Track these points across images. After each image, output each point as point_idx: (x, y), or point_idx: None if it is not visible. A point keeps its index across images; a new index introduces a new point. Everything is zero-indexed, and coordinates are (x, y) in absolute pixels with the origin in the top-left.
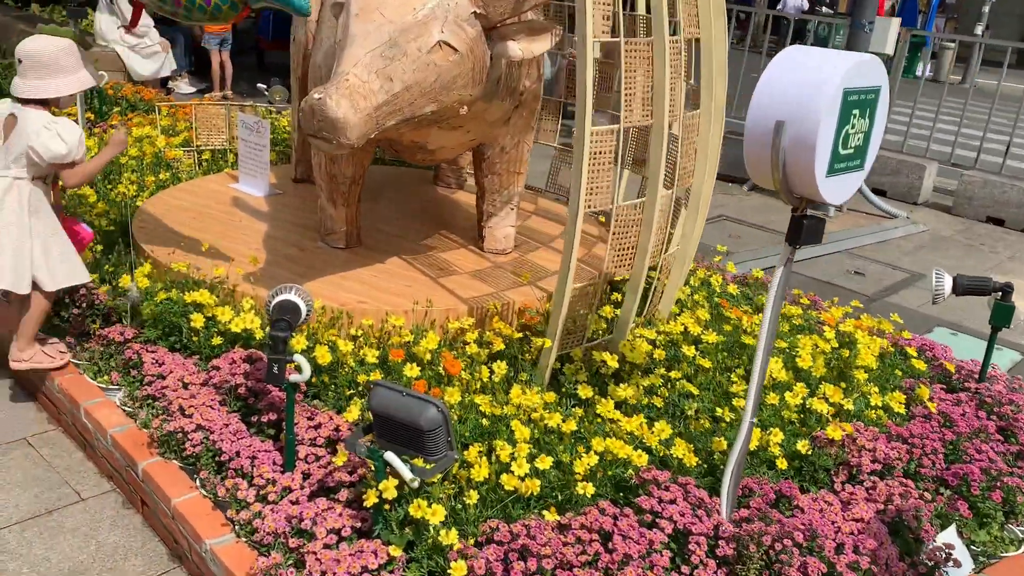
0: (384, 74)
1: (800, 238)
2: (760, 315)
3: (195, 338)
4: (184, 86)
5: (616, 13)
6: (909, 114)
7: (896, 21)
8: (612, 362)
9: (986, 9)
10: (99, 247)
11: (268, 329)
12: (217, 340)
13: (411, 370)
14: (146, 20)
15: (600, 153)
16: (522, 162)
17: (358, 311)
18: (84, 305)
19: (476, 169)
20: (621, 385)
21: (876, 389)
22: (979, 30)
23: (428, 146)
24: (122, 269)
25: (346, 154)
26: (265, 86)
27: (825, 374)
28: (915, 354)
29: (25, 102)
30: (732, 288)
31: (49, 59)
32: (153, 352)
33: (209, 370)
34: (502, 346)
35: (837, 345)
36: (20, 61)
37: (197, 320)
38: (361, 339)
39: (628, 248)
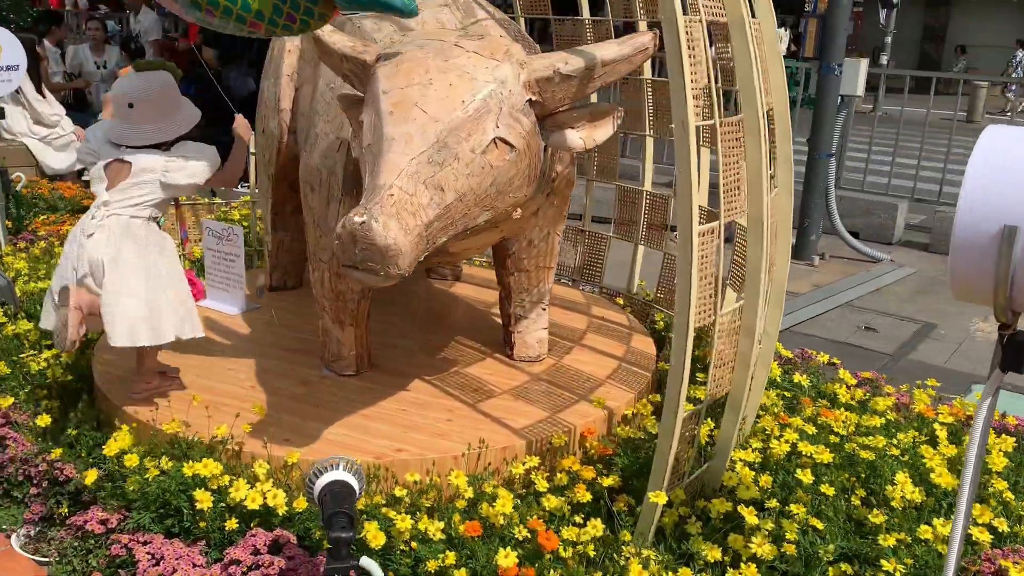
0: (434, 184)
1: (1019, 364)
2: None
3: (202, 522)
4: None
5: (709, 89)
6: (866, 150)
7: (864, 62)
8: (722, 506)
9: (888, 40)
10: (53, 403)
11: (311, 509)
12: (232, 523)
13: (506, 558)
14: (56, 108)
15: (705, 257)
16: (553, 256)
17: (398, 463)
18: (44, 482)
19: (499, 266)
20: (754, 540)
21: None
22: (884, 60)
23: (451, 249)
24: (91, 435)
25: None
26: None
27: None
28: None
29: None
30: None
31: (160, 97)
32: (147, 543)
33: (227, 564)
34: (587, 497)
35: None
36: (131, 105)
37: (203, 500)
38: (409, 501)
39: (728, 361)
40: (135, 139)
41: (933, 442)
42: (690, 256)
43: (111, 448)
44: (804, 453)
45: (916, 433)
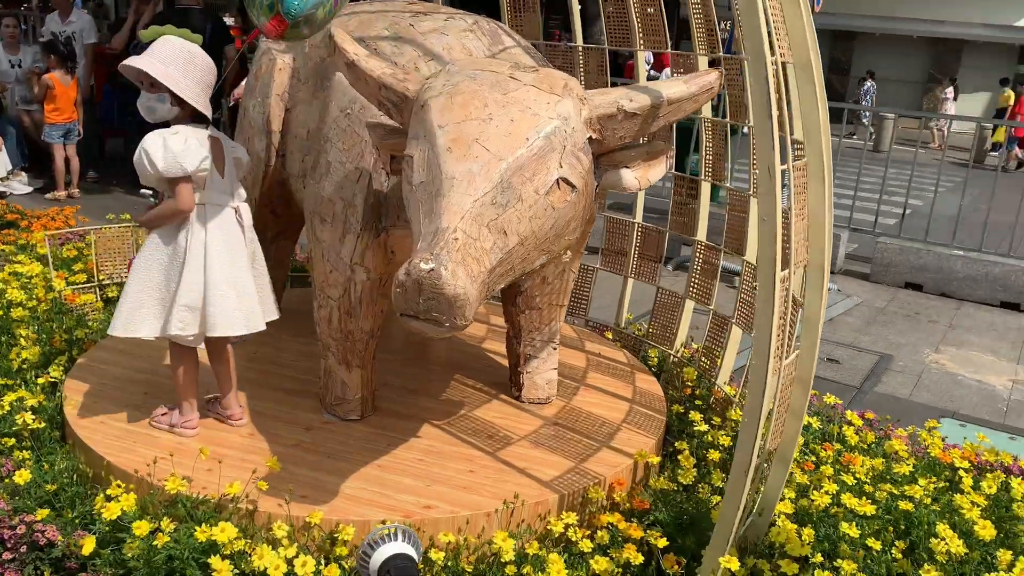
0: (497, 227)
1: None
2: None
3: None
4: (19, 186)
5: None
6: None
7: None
8: (789, 568)
9: None
10: (24, 454)
11: None
12: None
13: None
14: None
15: (785, 302)
16: (566, 293)
17: (429, 522)
18: (22, 547)
19: (508, 303)
20: None
21: None
22: None
23: None
24: (73, 490)
25: (365, 305)
26: (151, 191)
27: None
28: None
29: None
30: (849, 432)
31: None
32: None
33: None
34: (639, 559)
35: (988, 495)
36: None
37: (222, 569)
38: (444, 564)
39: (782, 412)
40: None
41: (956, 487)
42: (771, 304)
43: (111, 511)
44: (847, 505)
45: (937, 479)
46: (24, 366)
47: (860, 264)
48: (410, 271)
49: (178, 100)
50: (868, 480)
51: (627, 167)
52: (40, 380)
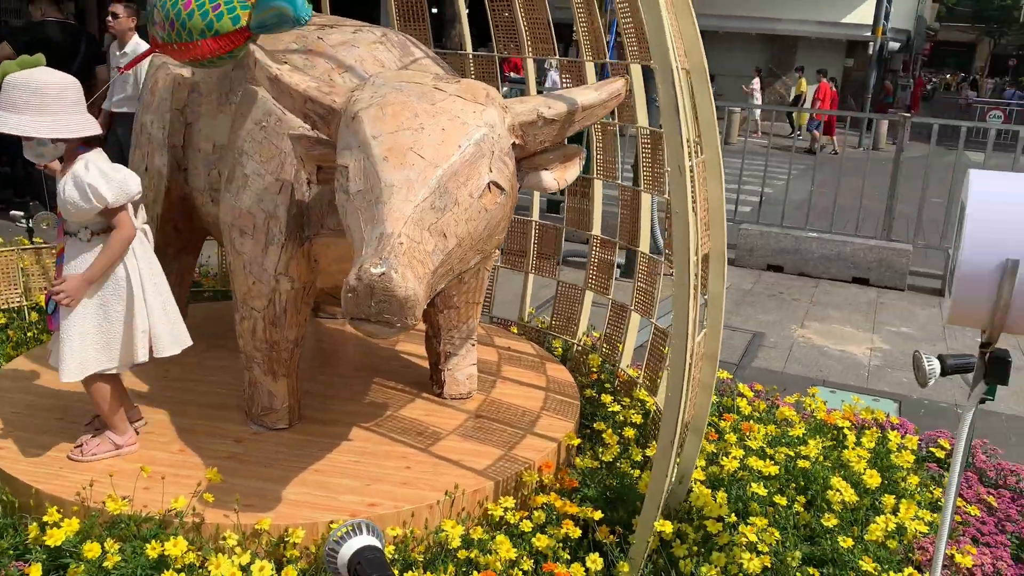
0: (437, 230)
1: (1006, 377)
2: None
3: None
4: None
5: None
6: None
7: None
8: (714, 527)
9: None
10: None
11: None
12: None
13: None
14: None
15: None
16: (481, 291)
17: (376, 519)
18: None
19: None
20: (744, 556)
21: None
22: None
23: None
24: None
25: (289, 314)
26: (21, 212)
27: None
28: (898, 438)
29: None
30: (742, 404)
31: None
32: None
33: None
34: (577, 532)
35: (869, 448)
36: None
37: None
38: (399, 557)
39: (695, 387)
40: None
41: (841, 445)
42: (688, 287)
43: (55, 537)
44: (755, 468)
45: (825, 439)
46: None
47: (729, 251)
48: (361, 276)
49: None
50: (766, 445)
51: (546, 169)
52: None
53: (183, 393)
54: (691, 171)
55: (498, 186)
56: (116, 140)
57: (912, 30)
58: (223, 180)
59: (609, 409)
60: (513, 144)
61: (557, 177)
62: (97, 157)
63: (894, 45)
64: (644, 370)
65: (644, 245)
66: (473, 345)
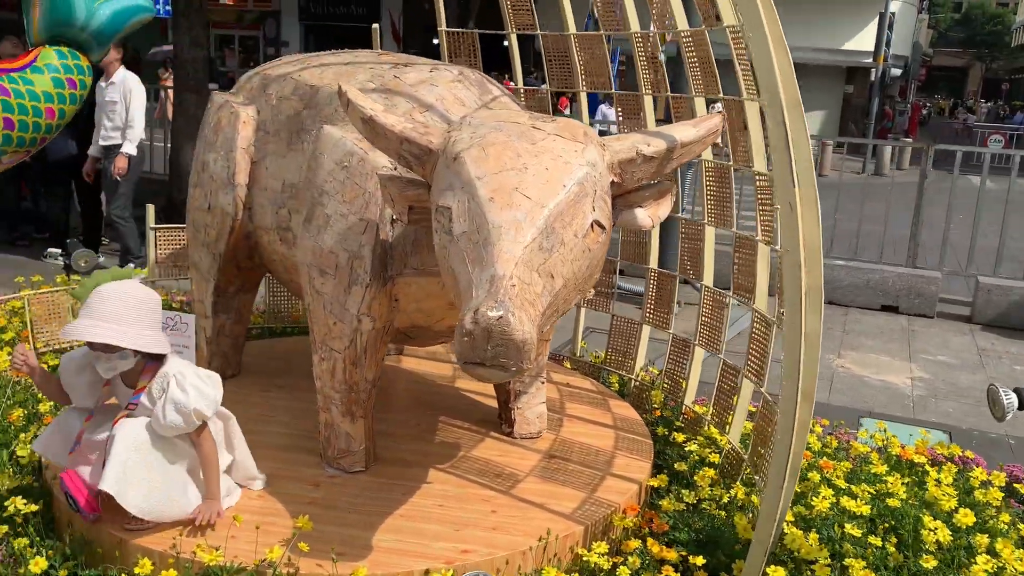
0: (545, 271)
1: None
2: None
3: None
4: None
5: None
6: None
7: None
8: (823, 572)
9: None
10: (22, 541)
11: None
12: None
13: None
14: None
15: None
16: (552, 328)
17: (470, 567)
18: None
19: None
20: None
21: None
22: None
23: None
24: (86, 572)
25: (369, 355)
26: (59, 250)
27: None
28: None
29: None
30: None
31: None
32: None
33: None
34: None
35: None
36: None
37: None
38: None
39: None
40: None
41: (921, 481)
42: (800, 327)
43: None
44: (848, 508)
45: (903, 476)
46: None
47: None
48: (477, 319)
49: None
50: (844, 482)
51: (640, 206)
52: (22, 453)
53: (251, 436)
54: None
55: (600, 225)
56: (107, 174)
57: (909, 56)
58: (301, 220)
59: (687, 448)
60: (612, 182)
61: (651, 215)
62: (182, 368)
63: (895, 71)
64: (712, 407)
65: (708, 279)
66: (543, 383)
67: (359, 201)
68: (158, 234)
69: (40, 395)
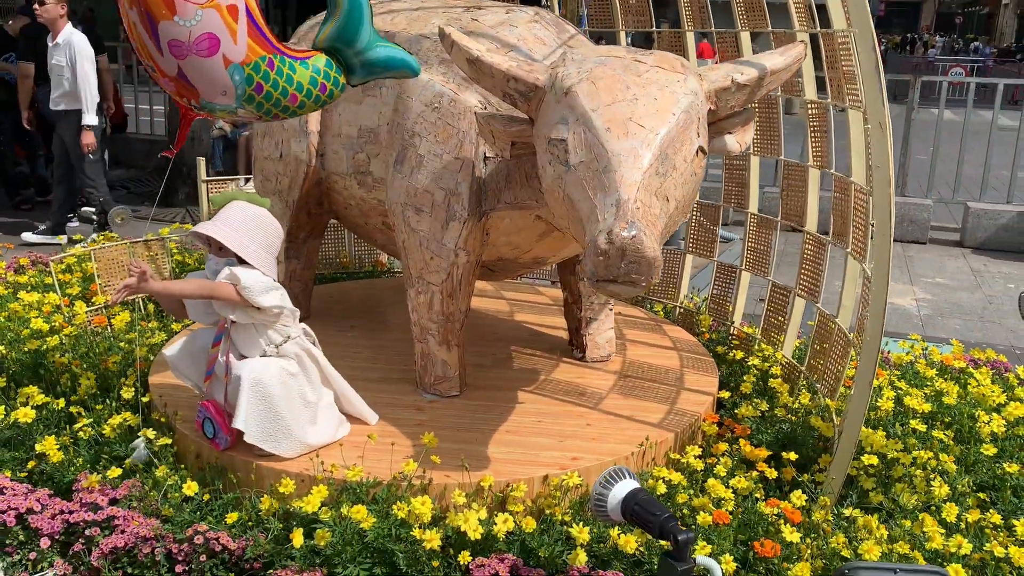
0: (661, 194)
1: None
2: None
3: (434, 562)
4: None
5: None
6: None
7: None
8: (906, 459)
9: None
10: (162, 469)
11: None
12: (466, 556)
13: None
14: None
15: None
16: None
17: (584, 472)
18: (201, 556)
19: (566, 272)
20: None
21: None
22: None
23: (549, 258)
24: (227, 499)
25: (463, 287)
26: (92, 209)
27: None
28: None
29: None
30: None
31: None
32: None
33: None
34: (774, 474)
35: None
36: None
37: (431, 539)
38: None
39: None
40: None
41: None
42: (889, 243)
43: (311, 503)
44: (911, 407)
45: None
46: (84, 394)
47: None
48: (612, 239)
49: (242, 261)
50: (905, 385)
51: (730, 132)
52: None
53: (342, 372)
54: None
55: (703, 150)
56: (60, 141)
57: None
58: (384, 163)
59: (748, 363)
60: (709, 110)
61: (739, 140)
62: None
63: None
64: (762, 326)
65: (753, 206)
66: (611, 310)
67: (453, 140)
68: (210, 186)
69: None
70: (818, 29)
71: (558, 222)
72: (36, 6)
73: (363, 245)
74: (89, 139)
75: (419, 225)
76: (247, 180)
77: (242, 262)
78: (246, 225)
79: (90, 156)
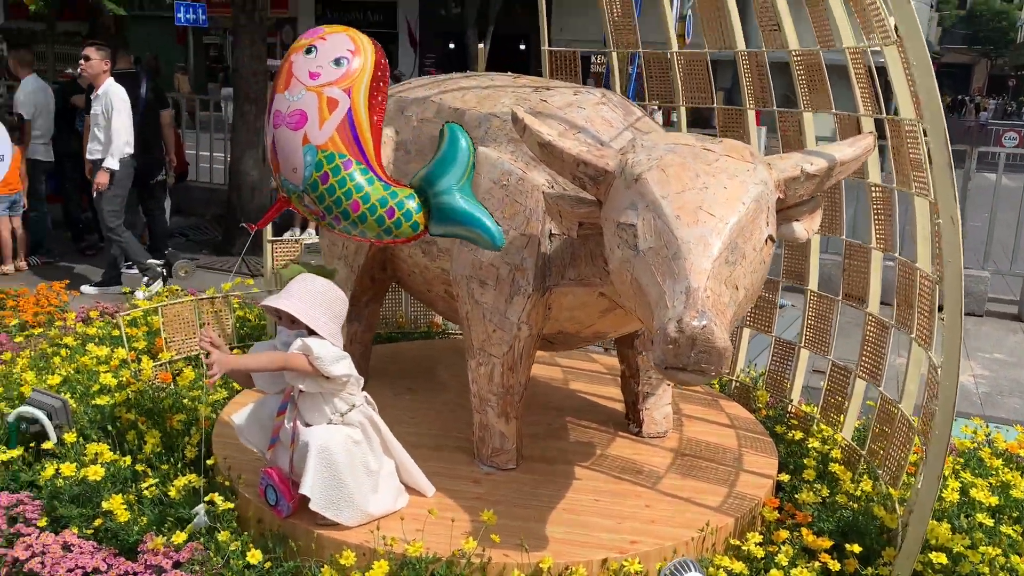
0: (731, 283)
1: None
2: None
3: None
4: None
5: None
6: None
7: None
8: (975, 557)
9: None
10: (224, 534)
11: None
12: None
13: None
14: None
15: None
16: None
17: (643, 556)
18: None
19: (624, 345)
20: None
21: None
22: None
23: (609, 333)
24: (287, 565)
25: (524, 360)
26: (158, 261)
27: None
28: None
29: None
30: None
31: None
32: None
33: None
34: (837, 566)
35: None
36: None
37: None
38: None
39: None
40: None
41: None
42: (959, 335)
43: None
44: (977, 499)
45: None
46: (150, 452)
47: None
48: (682, 328)
49: (312, 333)
50: (970, 475)
51: (797, 220)
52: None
53: (399, 438)
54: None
55: (772, 239)
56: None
57: None
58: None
59: (808, 445)
60: (777, 198)
61: (807, 227)
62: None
63: None
64: (822, 405)
65: (813, 282)
66: (669, 385)
67: (520, 217)
68: (275, 246)
69: (190, 398)
70: (884, 115)
71: (623, 302)
72: (81, 62)
73: (419, 306)
74: (102, 178)
75: (483, 298)
76: (303, 230)
77: (312, 332)
78: (316, 298)
79: (104, 197)
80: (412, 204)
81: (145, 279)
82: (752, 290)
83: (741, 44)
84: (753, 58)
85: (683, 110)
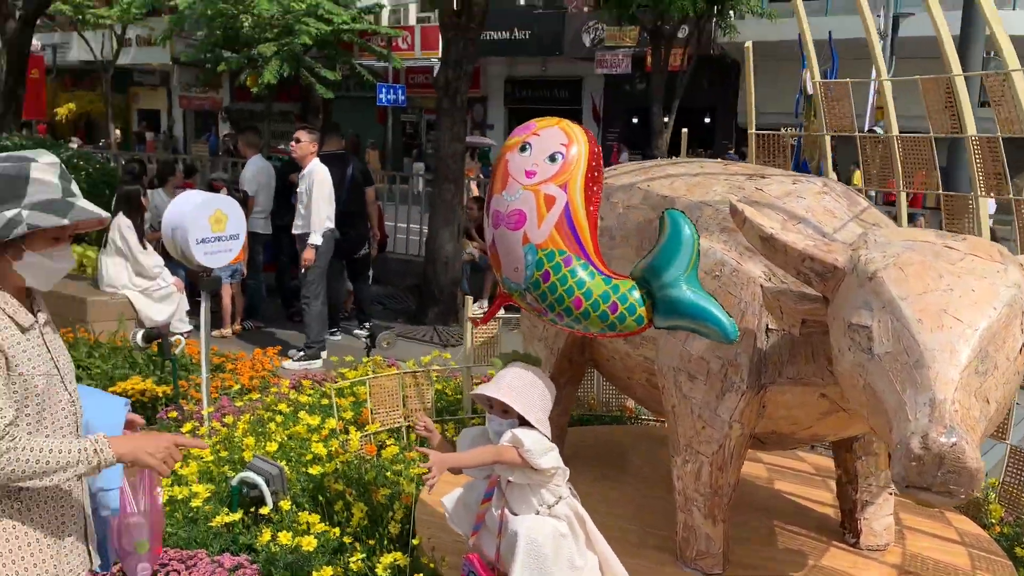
0: (981, 395)
1: None
2: None
3: None
4: (181, 324)
5: None
6: None
7: None
8: None
9: None
10: None
11: None
12: None
13: None
14: (156, 259)
15: None
16: None
17: None
18: None
19: (842, 449)
20: None
21: None
22: None
23: (828, 436)
24: None
25: (735, 459)
26: (365, 332)
27: None
28: None
29: None
30: None
31: None
32: None
33: None
34: None
35: None
36: None
37: None
38: None
39: None
40: None
41: None
42: None
43: None
44: None
45: None
46: (356, 525)
47: None
48: (928, 445)
49: (523, 422)
50: None
51: None
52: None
53: (600, 528)
54: None
55: None
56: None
57: None
58: None
59: None
60: None
61: None
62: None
63: None
64: None
65: None
66: (891, 494)
67: (734, 310)
68: (475, 326)
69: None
70: None
71: (850, 406)
72: (292, 143)
73: (611, 389)
74: (308, 253)
75: (692, 392)
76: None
77: (522, 423)
78: (527, 388)
79: (307, 272)
80: (635, 296)
81: (301, 354)
82: (1004, 403)
83: (972, 128)
84: (984, 143)
85: (903, 195)
